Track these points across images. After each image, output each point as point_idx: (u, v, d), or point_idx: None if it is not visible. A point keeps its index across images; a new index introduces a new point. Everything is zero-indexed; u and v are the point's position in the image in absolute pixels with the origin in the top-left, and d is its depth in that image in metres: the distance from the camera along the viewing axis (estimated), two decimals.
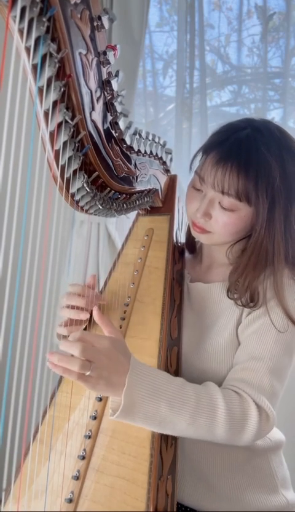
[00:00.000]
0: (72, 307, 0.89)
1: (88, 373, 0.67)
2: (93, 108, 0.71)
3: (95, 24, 0.69)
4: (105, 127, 0.77)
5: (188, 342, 0.91)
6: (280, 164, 0.83)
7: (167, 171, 1.15)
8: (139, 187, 0.92)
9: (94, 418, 0.81)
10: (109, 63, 0.74)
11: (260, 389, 0.80)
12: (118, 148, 0.82)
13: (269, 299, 0.85)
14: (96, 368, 0.68)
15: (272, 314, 0.84)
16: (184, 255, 1.06)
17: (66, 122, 0.66)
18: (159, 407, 0.72)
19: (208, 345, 0.89)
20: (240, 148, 0.83)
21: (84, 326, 0.94)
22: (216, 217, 0.87)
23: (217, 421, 0.75)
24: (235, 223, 0.87)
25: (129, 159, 0.87)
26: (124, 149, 0.84)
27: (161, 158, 1.06)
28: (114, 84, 0.76)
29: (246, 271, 0.86)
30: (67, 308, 0.90)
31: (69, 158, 0.69)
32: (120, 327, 0.92)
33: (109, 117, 0.78)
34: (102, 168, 0.76)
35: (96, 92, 0.72)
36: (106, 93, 0.75)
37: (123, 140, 0.82)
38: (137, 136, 0.89)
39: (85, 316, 0.89)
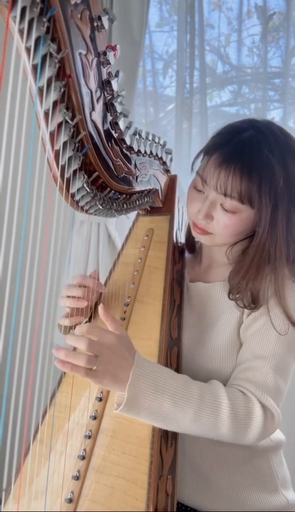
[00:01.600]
0: (72, 297, 0.91)
1: (94, 367, 0.68)
2: (93, 108, 0.71)
3: (95, 24, 0.69)
4: (105, 127, 0.77)
5: (189, 342, 0.91)
6: (283, 167, 0.83)
7: (167, 171, 1.15)
8: (139, 187, 0.93)
9: (94, 418, 0.81)
10: (109, 63, 0.74)
11: (264, 388, 0.80)
12: (118, 148, 0.82)
13: (269, 299, 0.85)
14: (102, 363, 0.69)
15: (272, 316, 0.84)
16: (184, 255, 1.06)
17: (66, 122, 0.66)
18: (163, 403, 0.73)
19: (209, 345, 0.89)
20: (243, 150, 0.83)
21: (87, 317, 0.96)
22: (217, 219, 0.87)
23: (220, 419, 0.75)
24: (237, 224, 0.87)
25: (129, 159, 0.87)
26: (124, 150, 0.84)
27: (161, 158, 1.06)
28: (114, 84, 0.76)
29: (249, 273, 0.86)
30: (66, 298, 0.91)
31: (69, 158, 0.69)
32: None
33: (109, 118, 0.78)
34: (102, 169, 0.76)
35: (96, 92, 0.72)
36: (106, 93, 0.75)
37: (123, 140, 0.82)
38: (137, 136, 0.89)
39: (83, 304, 0.91)
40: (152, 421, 0.75)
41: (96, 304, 0.97)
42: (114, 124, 0.79)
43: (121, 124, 0.80)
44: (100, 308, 0.77)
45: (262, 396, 0.79)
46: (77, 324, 0.96)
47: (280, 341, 0.84)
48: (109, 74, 0.75)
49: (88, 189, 0.74)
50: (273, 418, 0.79)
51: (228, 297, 0.89)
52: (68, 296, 0.91)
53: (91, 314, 0.96)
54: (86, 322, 0.96)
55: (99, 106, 0.73)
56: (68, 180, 0.71)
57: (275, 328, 0.84)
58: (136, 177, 0.90)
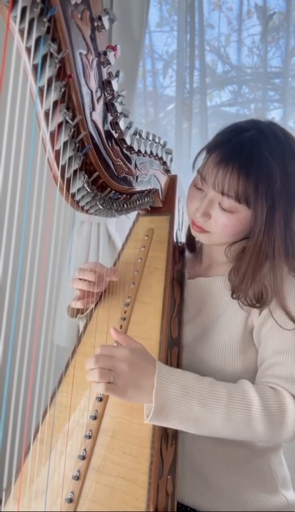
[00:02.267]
0: (84, 280, 0.93)
1: (111, 379, 0.70)
2: (93, 108, 0.71)
3: (95, 24, 0.69)
4: (105, 127, 0.77)
5: (191, 338, 0.91)
6: (282, 168, 0.83)
7: (167, 171, 1.15)
8: (139, 187, 0.93)
9: (95, 418, 0.81)
10: (110, 63, 0.74)
11: (292, 380, 0.80)
12: (118, 148, 0.82)
13: (271, 298, 0.85)
14: (118, 375, 0.71)
15: (276, 317, 0.85)
16: (184, 255, 1.06)
17: (67, 122, 0.67)
18: (191, 406, 0.73)
19: (211, 341, 0.89)
20: (243, 150, 0.83)
21: (94, 303, 0.98)
22: (215, 217, 0.87)
23: (253, 415, 0.75)
24: (234, 224, 0.87)
25: (129, 159, 0.87)
26: (124, 150, 0.84)
27: (161, 158, 1.07)
28: (114, 84, 0.76)
29: (247, 274, 0.86)
30: (79, 280, 0.93)
31: (70, 158, 0.69)
32: (120, 327, 0.92)
33: (109, 118, 0.78)
34: (102, 169, 0.76)
35: (96, 92, 0.72)
36: (106, 93, 0.75)
37: (124, 140, 0.82)
38: (137, 136, 0.89)
39: (96, 289, 0.93)
40: (184, 427, 0.75)
41: (104, 291, 0.99)
42: (114, 124, 0.79)
43: (122, 124, 0.80)
44: (111, 329, 0.78)
45: (291, 388, 0.79)
46: (87, 308, 0.99)
47: None
48: (110, 74, 0.75)
49: (88, 189, 0.74)
50: None
51: (231, 297, 0.89)
52: (80, 279, 0.93)
53: (100, 299, 0.99)
54: (93, 307, 0.99)
55: (99, 106, 0.73)
56: (68, 180, 0.71)
57: (282, 328, 0.84)
58: (136, 177, 0.90)
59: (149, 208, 1.11)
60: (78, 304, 0.95)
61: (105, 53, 0.73)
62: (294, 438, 0.79)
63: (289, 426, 0.77)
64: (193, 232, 0.94)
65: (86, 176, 0.73)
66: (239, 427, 0.75)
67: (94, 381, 0.71)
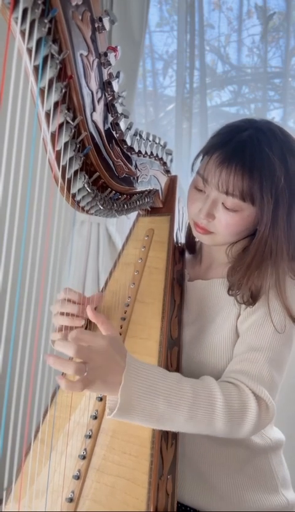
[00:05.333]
0: (66, 314, 0.87)
1: (85, 375, 0.66)
2: (94, 109, 0.72)
3: (96, 25, 0.69)
4: (106, 128, 0.77)
5: (189, 339, 0.91)
6: (284, 164, 0.83)
7: (167, 172, 1.15)
8: (139, 187, 0.93)
9: (95, 417, 0.81)
10: (110, 64, 0.74)
11: (259, 379, 0.80)
12: (119, 148, 0.82)
13: (269, 289, 0.85)
14: (91, 369, 0.67)
15: (271, 307, 0.85)
16: (184, 255, 1.06)
17: (67, 123, 0.67)
18: (157, 404, 0.71)
19: (207, 341, 0.89)
20: (244, 149, 0.83)
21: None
22: (219, 218, 0.88)
23: (215, 414, 0.75)
24: (238, 223, 0.87)
25: (130, 160, 0.87)
26: (125, 150, 0.84)
27: (161, 159, 1.07)
28: (115, 85, 0.76)
29: (250, 270, 0.86)
30: (61, 315, 0.88)
31: (70, 159, 0.69)
32: (121, 327, 0.92)
33: (110, 118, 0.78)
34: (103, 169, 0.76)
35: (97, 93, 0.72)
36: (106, 94, 0.76)
37: (124, 141, 0.83)
38: (137, 137, 0.90)
39: (80, 323, 0.88)
40: (146, 423, 0.73)
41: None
42: (115, 125, 0.79)
43: (122, 124, 0.80)
44: (89, 311, 0.75)
45: (256, 387, 0.79)
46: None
47: (277, 333, 0.84)
48: (110, 75, 0.76)
49: (89, 190, 0.74)
50: (268, 409, 0.79)
51: (228, 293, 0.89)
52: (61, 314, 0.87)
53: (87, 326, 0.92)
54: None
55: (100, 107, 0.74)
56: (69, 181, 0.71)
57: (272, 323, 0.84)
58: (137, 178, 0.91)
59: (149, 209, 1.11)
60: (58, 336, 0.87)
61: (106, 54, 0.73)
62: (250, 435, 0.80)
63: (248, 425, 0.77)
64: (196, 234, 0.94)
65: (86, 176, 0.73)
66: (201, 424, 0.75)
67: (65, 371, 0.66)
